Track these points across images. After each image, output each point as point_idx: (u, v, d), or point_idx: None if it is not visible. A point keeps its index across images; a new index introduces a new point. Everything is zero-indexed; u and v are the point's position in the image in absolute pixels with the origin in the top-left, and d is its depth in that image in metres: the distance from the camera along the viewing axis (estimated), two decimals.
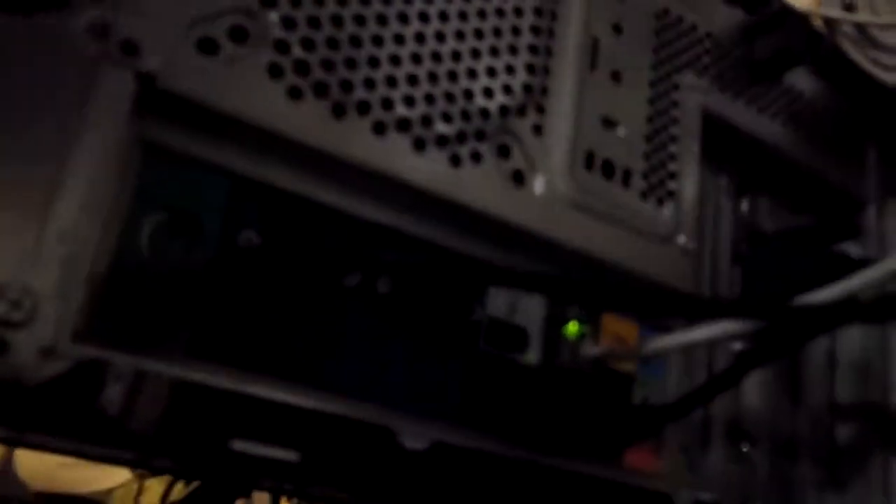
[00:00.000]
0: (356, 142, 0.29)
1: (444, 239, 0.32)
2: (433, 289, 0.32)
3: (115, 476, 1.15)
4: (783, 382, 0.42)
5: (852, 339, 0.43)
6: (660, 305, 0.35)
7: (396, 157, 0.30)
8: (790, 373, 0.42)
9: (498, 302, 0.34)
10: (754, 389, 0.40)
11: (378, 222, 0.31)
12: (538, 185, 0.34)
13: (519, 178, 0.33)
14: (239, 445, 0.25)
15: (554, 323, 0.35)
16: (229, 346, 0.27)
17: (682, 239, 0.38)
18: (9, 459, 2.06)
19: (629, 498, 0.34)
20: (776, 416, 0.41)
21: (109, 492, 1.18)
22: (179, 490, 1.02)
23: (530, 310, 0.35)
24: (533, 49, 0.35)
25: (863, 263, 0.38)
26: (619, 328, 0.36)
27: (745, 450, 0.39)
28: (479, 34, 0.34)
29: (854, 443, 0.41)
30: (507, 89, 0.34)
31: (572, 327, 0.35)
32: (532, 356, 0.34)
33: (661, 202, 0.38)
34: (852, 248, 0.40)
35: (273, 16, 0.28)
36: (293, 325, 0.29)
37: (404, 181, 0.30)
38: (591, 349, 0.35)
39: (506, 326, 0.34)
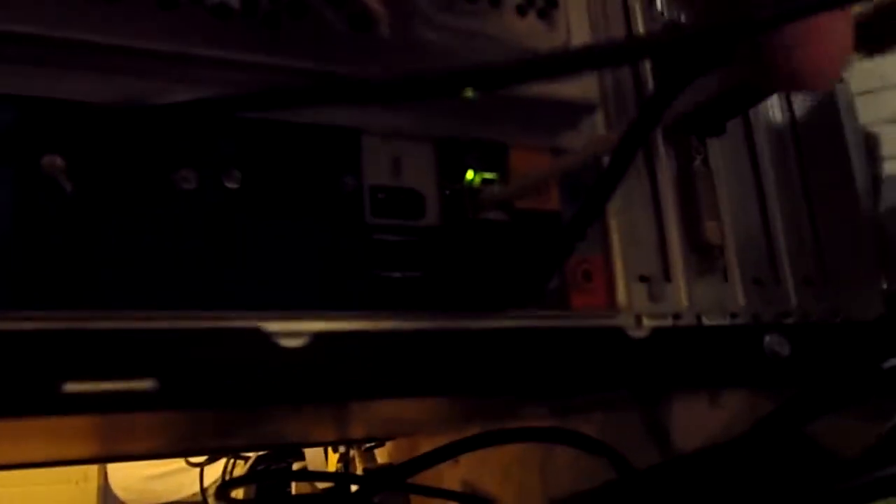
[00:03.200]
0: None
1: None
2: (292, 168, 0.28)
3: (206, 479, 1.15)
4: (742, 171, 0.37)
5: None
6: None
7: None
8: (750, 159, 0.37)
9: (378, 166, 0.30)
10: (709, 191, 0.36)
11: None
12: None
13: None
14: (72, 387, 0.22)
15: (450, 177, 0.31)
16: (61, 287, 0.24)
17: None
18: (105, 477, 2.13)
19: (578, 341, 0.30)
20: (744, 214, 0.36)
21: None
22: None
23: (418, 168, 0.31)
24: None
25: None
26: (527, 164, 0.32)
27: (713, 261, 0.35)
28: None
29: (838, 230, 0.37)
30: None
31: (470, 176, 0.31)
32: (432, 218, 0.30)
33: (543, 15, 0.33)
34: None
35: None
36: (129, 250, 0.25)
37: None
38: (497, 193, 0.31)
39: (393, 191, 0.30)
